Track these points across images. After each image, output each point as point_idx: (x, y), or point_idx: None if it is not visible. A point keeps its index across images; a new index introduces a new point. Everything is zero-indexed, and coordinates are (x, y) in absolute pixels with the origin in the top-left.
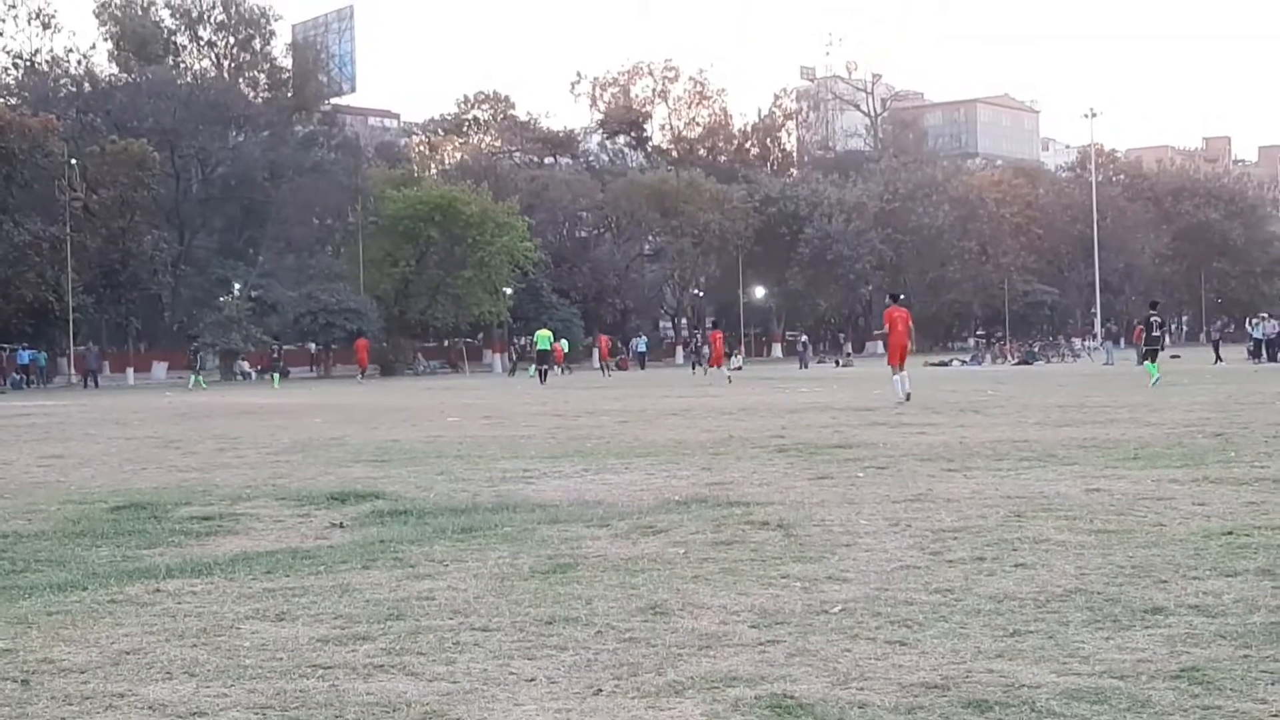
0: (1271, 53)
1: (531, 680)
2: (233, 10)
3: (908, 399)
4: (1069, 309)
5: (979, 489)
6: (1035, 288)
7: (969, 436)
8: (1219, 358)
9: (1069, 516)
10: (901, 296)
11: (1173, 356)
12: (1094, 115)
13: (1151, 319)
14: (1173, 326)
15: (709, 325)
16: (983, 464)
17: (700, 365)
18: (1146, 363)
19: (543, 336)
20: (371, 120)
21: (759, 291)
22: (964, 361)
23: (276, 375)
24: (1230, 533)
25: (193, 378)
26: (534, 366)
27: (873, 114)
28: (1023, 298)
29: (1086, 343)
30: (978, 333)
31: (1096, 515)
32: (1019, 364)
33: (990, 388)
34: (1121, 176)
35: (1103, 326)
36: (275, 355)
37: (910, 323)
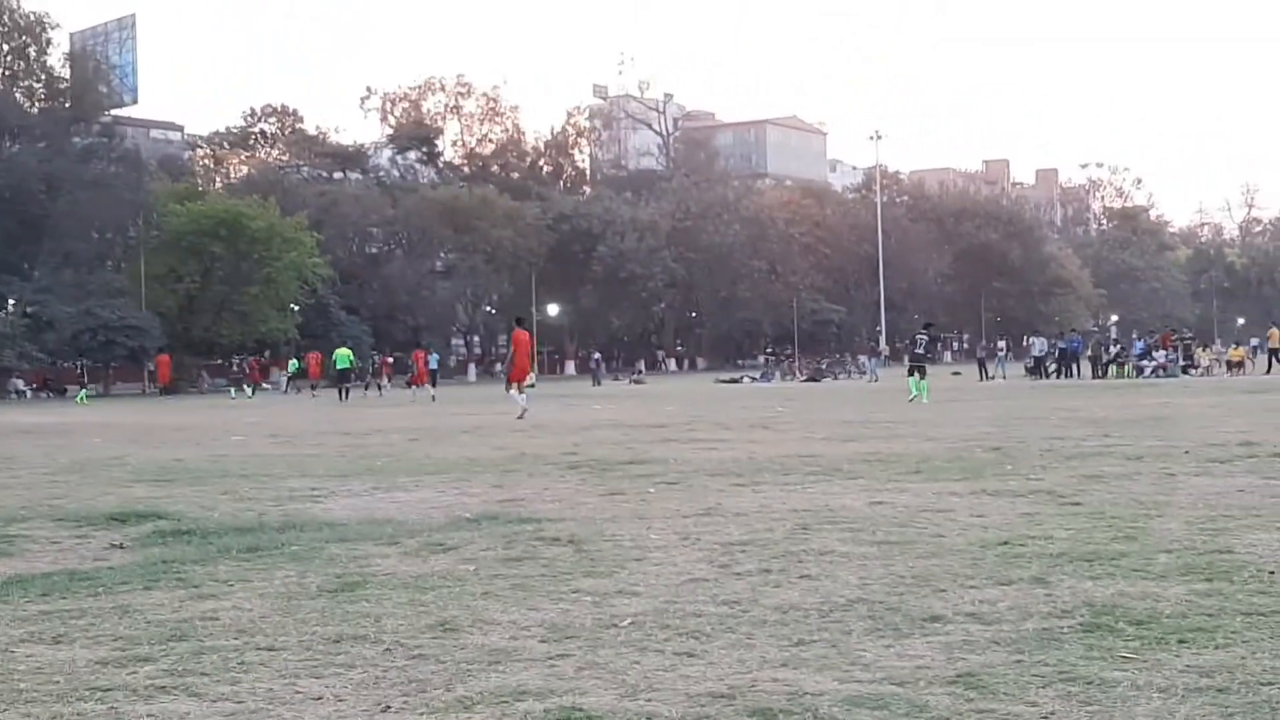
0: (1048, 76)
1: (319, 699)
2: (7, 17)
3: (524, 415)
4: (855, 327)
5: (767, 503)
6: (823, 306)
7: (758, 452)
8: (986, 375)
9: (853, 529)
10: (524, 320)
11: (953, 374)
12: (879, 137)
13: (918, 337)
14: (954, 345)
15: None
16: (771, 478)
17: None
18: (910, 378)
19: (342, 355)
20: (154, 132)
21: (552, 309)
22: (754, 378)
23: (83, 392)
24: (1006, 543)
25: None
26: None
27: (665, 133)
28: (811, 316)
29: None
30: (767, 350)
31: (879, 527)
32: (807, 381)
33: (779, 404)
34: (905, 198)
35: (869, 344)
36: (80, 371)
37: (532, 345)
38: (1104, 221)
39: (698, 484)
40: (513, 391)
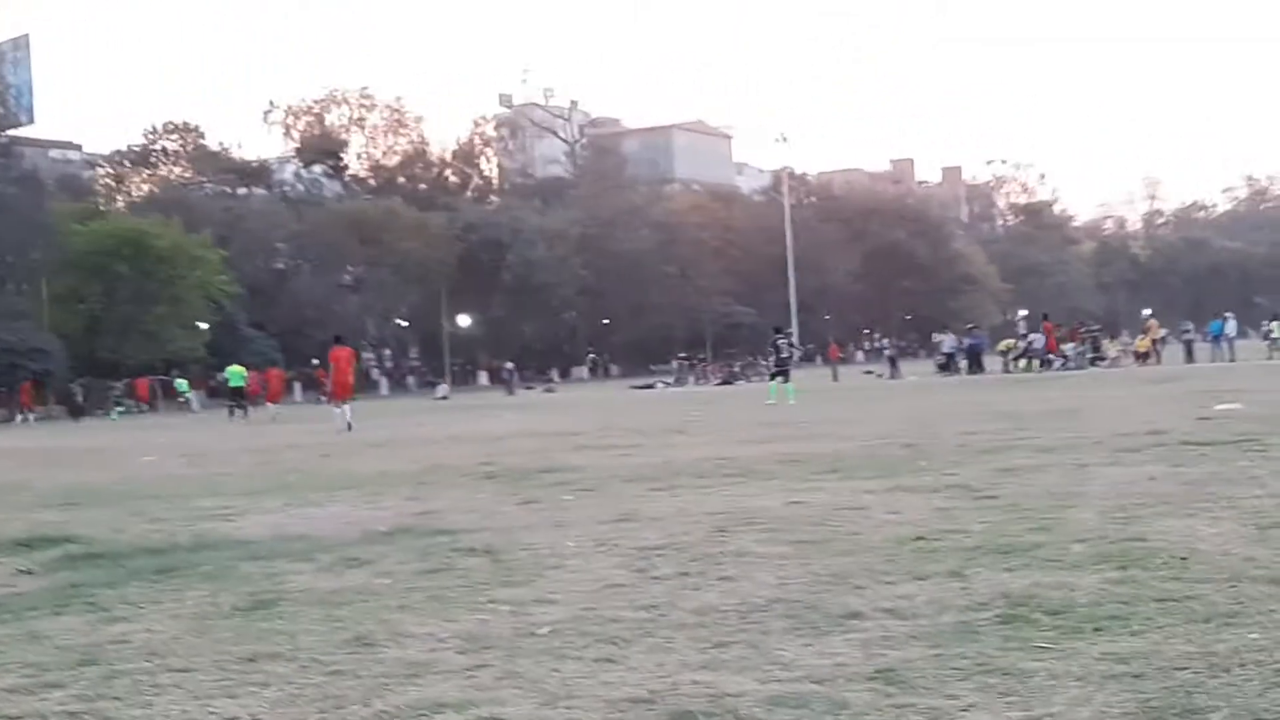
0: (951, 74)
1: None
2: None
3: (350, 429)
4: (767, 329)
5: (684, 506)
6: (734, 309)
7: (674, 456)
8: (896, 373)
9: (770, 529)
10: (343, 337)
11: (865, 373)
12: (784, 140)
13: (778, 342)
14: (866, 344)
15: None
16: (687, 482)
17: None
18: (772, 383)
19: (234, 373)
20: (53, 152)
21: (463, 320)
22: (668, 384)
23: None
24: (921, 538)
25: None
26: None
27: (571, 140)
28: (723, 319)
29: None
30: (680, 355)
31: (796, 527)
32: (721, 384)
33: (694, 409)
34: (813, 198)
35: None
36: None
37: (355, 361)
38: (1009, 217)
39: (614, 490)
40: (337, 408)
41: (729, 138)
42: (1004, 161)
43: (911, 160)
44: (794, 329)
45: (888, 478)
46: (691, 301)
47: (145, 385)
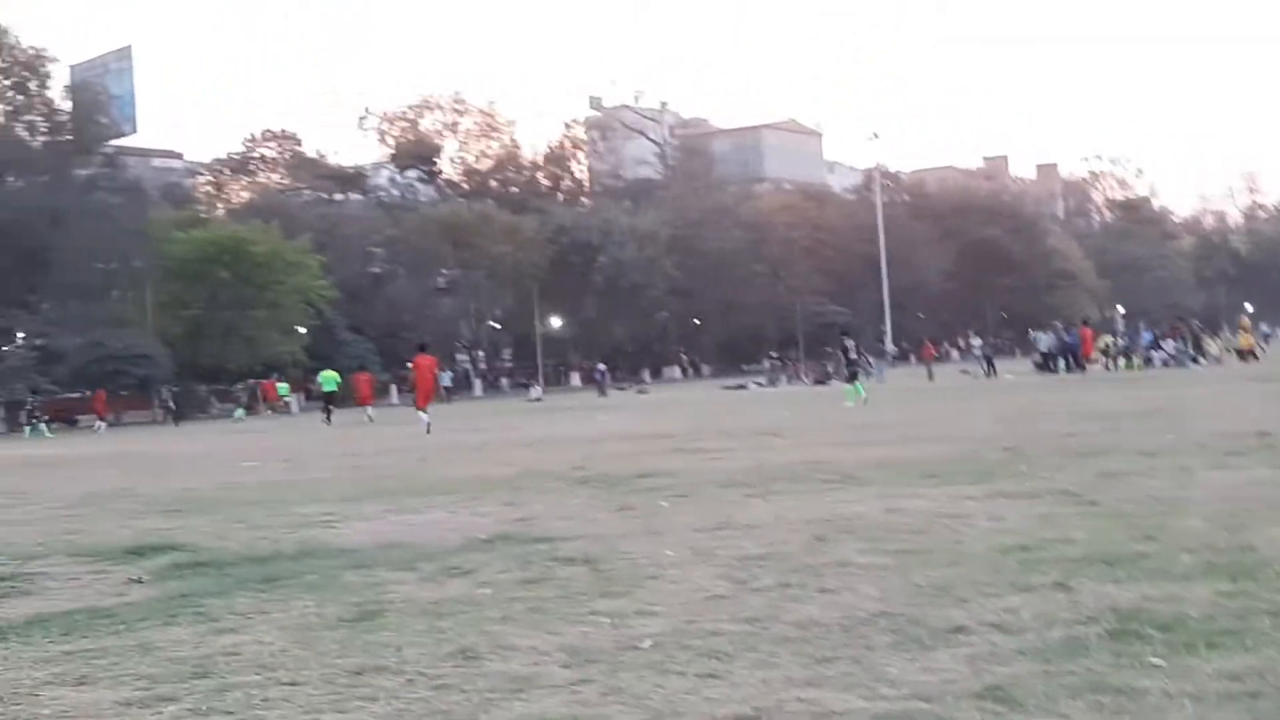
0: (1046, 72)
1: None
2: (7, 53)
3: (427, 432)
4: (860, 328)
5: (781, 513)
6: (827, 308)
7: (768, 460)
8: (992, 372)
9: (870, 538)
10: (426, 346)
11: (961, 372)
12: (876, 138)
13: (846, 344)
14: (960, 342)
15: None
16: (783, 487)
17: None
18: (848, 385)
19: (328, 378)
20: (156, 161)
21: (555, 322)
22: (760, 384)
23: (42, 426)
24: (1025, 547)
25: (29, 429)
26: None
27: (661, 142)
28: (815, 318)
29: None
30: (772, 355)
31: (896, 535)
32: (815, 384)
33: (787, 410)
34: (905, 197)
35: (874, 344)
36: (30, 406)
37: (436, 369)
38: (1106, 213)
39: (709, 496)
40: (420, 413)
41: (820, 136)
42: (1100, 157)
43: (1006, 157)
44: (887, 328)
45: (988, 483)
46: (783, 301)
47: (271, 388)
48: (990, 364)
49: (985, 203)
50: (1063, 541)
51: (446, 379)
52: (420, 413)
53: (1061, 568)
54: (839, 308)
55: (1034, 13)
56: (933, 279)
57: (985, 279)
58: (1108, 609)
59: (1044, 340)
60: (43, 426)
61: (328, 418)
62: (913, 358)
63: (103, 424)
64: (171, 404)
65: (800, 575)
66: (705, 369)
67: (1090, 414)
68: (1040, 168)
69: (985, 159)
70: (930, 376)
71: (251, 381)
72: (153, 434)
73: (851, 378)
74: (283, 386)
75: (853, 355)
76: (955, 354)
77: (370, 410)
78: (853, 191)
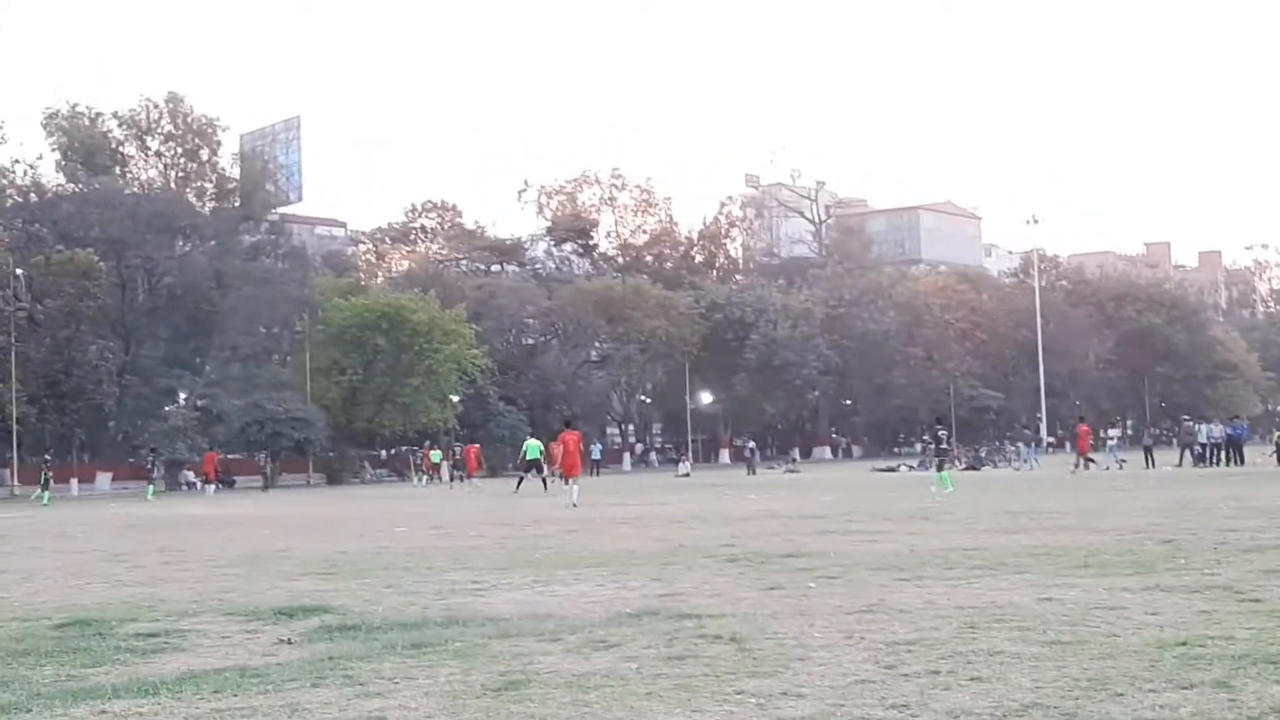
0: (1209, 159)
1: None
2: (180, 120)
3: (574, 506)
4: (1014, 413)
5: (931, 599)
6: (980, 392)
7: (919, 544)
8: (1151, 463)
9: (1022, 627)
10: (572, 421)
11: (1120, 461)
12: (1035, 221)
13: (938, 432)
14: (1116, 432)
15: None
16: (934, 573)
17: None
18: (939, 473)
19: (532, 446)
20: (319, 229)
21: (706, 397)
22: (911, 467)
23: (152, 488)
24: (1184, 643)
25: (150, 488)
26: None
27: (817, 220)
28: (968, 402)
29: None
30: (924, 438)
31: (1050, 626)
32: (966, 469)
33: (938, 494)
34: (1064, 282)
35: (1023, 430)
36: (150, 465)
37: (581, 442)
38: (1271, 304)
39: (859, 579)
40: (568, 484)
41: (978, 219)
42: (1265, 246)
43: (1168, 243)
44: (1042, 414)
45: (1145, 575)
46: (936, 384)
47: (473, 453)
48: (1149, 454)
49: (1146, 290)
50: (1223, 638)
51: (596, 452)
52: (567, 483)
53: (1222, 665)
54: (993, 392)
55: (1200, 98)
56: (1090, 366)
57: (1145, 368)
58: (1270, 710)
59: (1205, 431)
60: (209, 486)
61: (522, 483)
62: (1068, 445)
63: (212, 486)
64: (267, 470)
65: (951, 662)
66: (856, 450)
67: (1252, 509)
68: (1203, 255)
69: (1146, 245)
70: (1085, 466)
71: (402, 448)
72: (309, 496)
73: (940, 466)
74: (435, 454)
75: (944, 445)
76: (1112, 442)
77: (476, 480)
78: (1010, 275)
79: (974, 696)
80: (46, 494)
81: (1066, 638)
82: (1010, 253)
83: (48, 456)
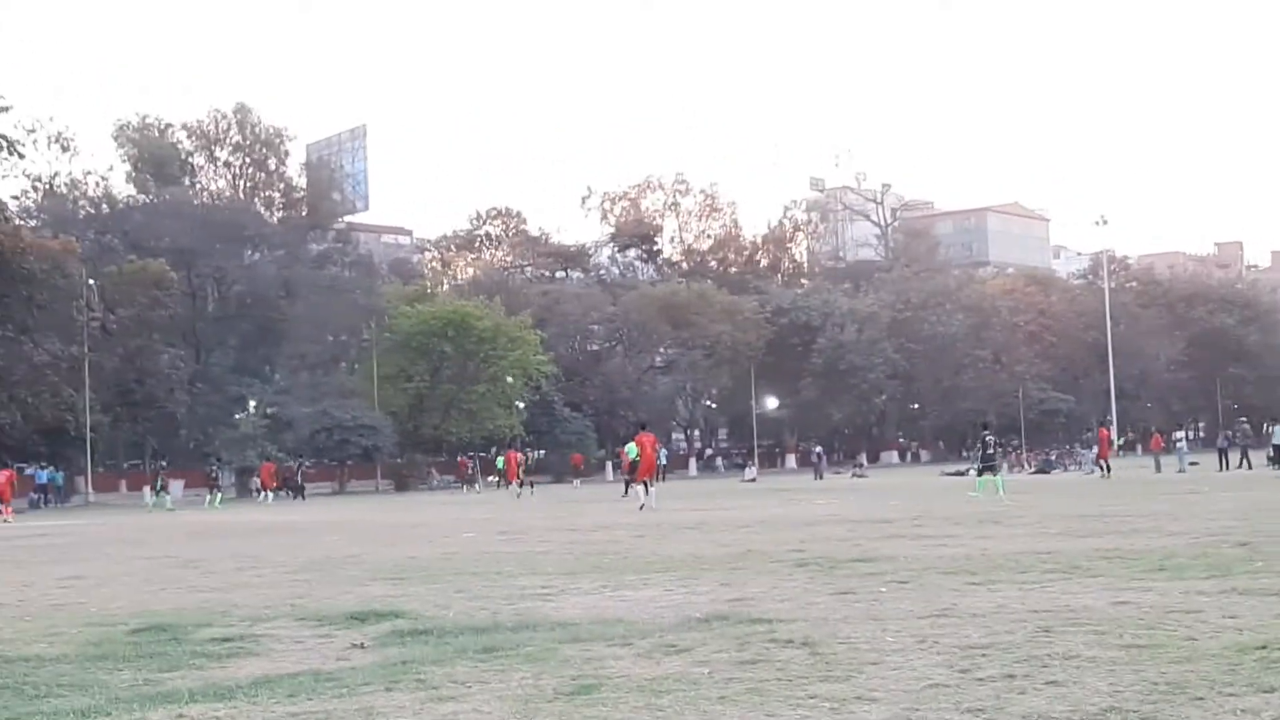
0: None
1: None
2: (249, 131)
3: (650, 508)
4: (1084, 416)
5: (1004, 603)
6: (1050, 395)
7: (991, 548)
8: (1225, 465)
9: (1098, 631)
10: (646, 425)
11: (1191, 464)
12: (1104, 222)
13: (985, 438)
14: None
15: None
16: (1006, 576)
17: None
18: (980, 478)
19: (632, 449)
20: (385, 237)
21: (771, 402)
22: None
23: (218, 495)
24: (1263, 647)
25: (209, 497)
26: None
27: (883, 223)
28: (1038, 405)
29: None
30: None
31: (1126, 629)
32: (1036, 473)
33: (1009, 498)
34: (1134, 283)
35: (1086, 434)
36: (212, 473)
37: (657, 445)
38: None
39: (930, 583)
40: (638, 487)
41: (1046, 220)
42: None
43: (1240, 243)
44: (1113, 416)
45: (1221, 578)
46: (1004, 386)
47: (514, 459)
48: (1224, 456)
49: (1218, 290)
50: None
51: (662, 457)
52: (639, 487)
53: None
54: (1062, 395)
55: (1272, 95)
56: (1161, 368)
57: (1217, 369)
58: None
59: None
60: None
61: (626, 490)
62: (1139, 448)
63: (269, 495)
64: (299, 479)
65: (1026, 666)
66: (923, 454)
67: None
68: (1276, 254)
69: (1218, 244)
70: (1158, 468)
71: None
72: (377, 502)
73: (981, 471)
74: (500, 460)
75: (990, 450)
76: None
77: (516, 487)
78: (1079, 276)
79: (1050, 701)
80: (168, 498)
81: (1143, 641)
82: (1079, 254)
83: (163, 464)
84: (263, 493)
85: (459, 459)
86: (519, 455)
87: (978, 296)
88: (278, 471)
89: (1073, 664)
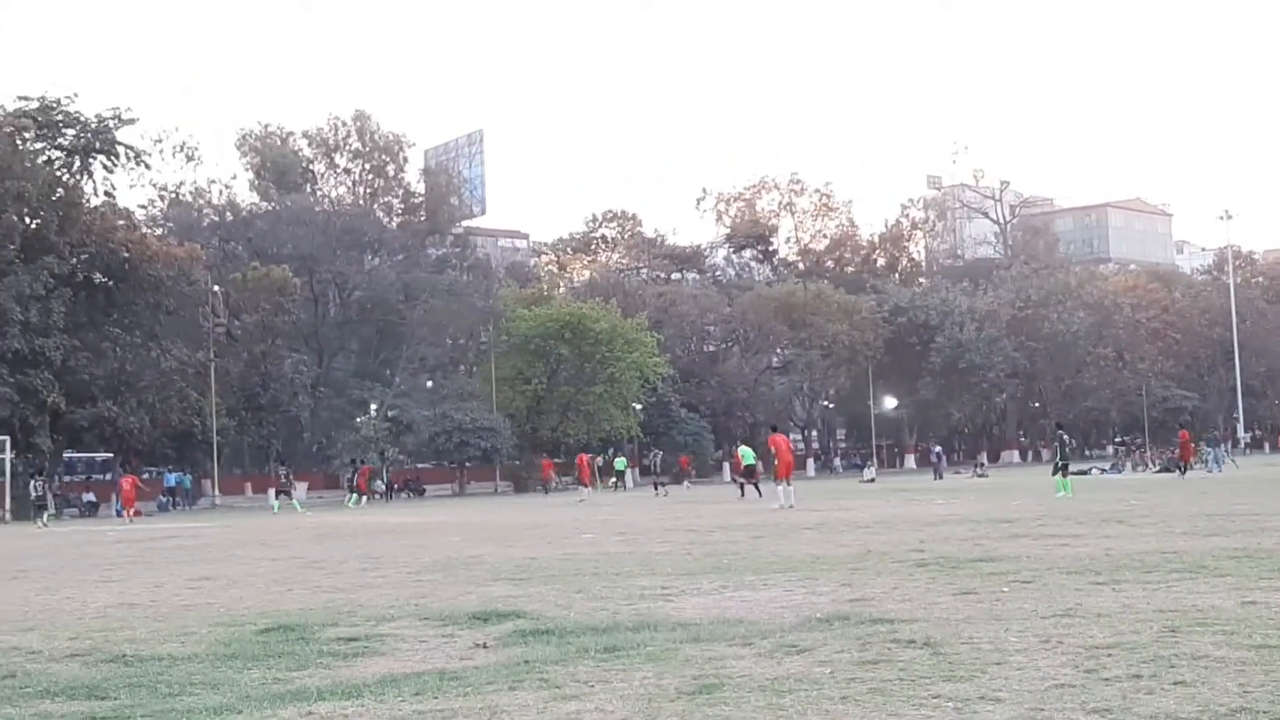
0: None
1: None
2: (368, 138)
3: (790, 508)
4: (1210, 414)
5: (1129, 603)
6: (1174, 393)
7: (1115, 548)
8: None
9: (1226, 631)
10: (778, 426)
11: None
12: (1229, 217)
13: (1062, 437)
14: None
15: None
16: (1131, 576)
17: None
18: (1056, 477)
19: (747, 453)
20: (502, 241)
21: (890, 402)
22: (1104, 470)
23: (358, 496)
24: None
25: (350, 498)
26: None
27: (1001, 221)
28: (1162, 404)
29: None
30: (1117, 440)
31: (1255, 629)
32: (1160, 471)
33: (1133, 497)
34: (1260, 279)
35: (1210, 431)
36: (283, 478)
37: (790, 444)
38: None
39: (1053, 583)
40: (780, 486)
41: (1168, 216)
42: None
43: None
44: (1239, 414)
45: None
46: (1127, 385)
47: (584, 462)
48: None
49: None
50: None
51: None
52: (780, 486)
53: None
54: (1187, 393)
55: None
56: None
57: None
58: None
59: None
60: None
61: (743, 491)
62: (1267, 446)
63: (362, 498)
64: (351, 477)
65: (1152, 667)
66: (1045, 454)
67: None
68: None
69: None
70: (1182, 472)
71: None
72: (497, 503)
73: (1055, 470)
74: (620, 461)
75: (1066, 450)
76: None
77: (585, 491)
78: (1203, 272)
79: (1178, 701)
80: (295, 501)
81: (1273, 641)
82: (1203, 249)
83: (282, 468)
84: (354, 494)
85: (578, 458)
86: (590, 459)
87: (1099, 294)
88: (373, 474)
89: (1200, 664)
